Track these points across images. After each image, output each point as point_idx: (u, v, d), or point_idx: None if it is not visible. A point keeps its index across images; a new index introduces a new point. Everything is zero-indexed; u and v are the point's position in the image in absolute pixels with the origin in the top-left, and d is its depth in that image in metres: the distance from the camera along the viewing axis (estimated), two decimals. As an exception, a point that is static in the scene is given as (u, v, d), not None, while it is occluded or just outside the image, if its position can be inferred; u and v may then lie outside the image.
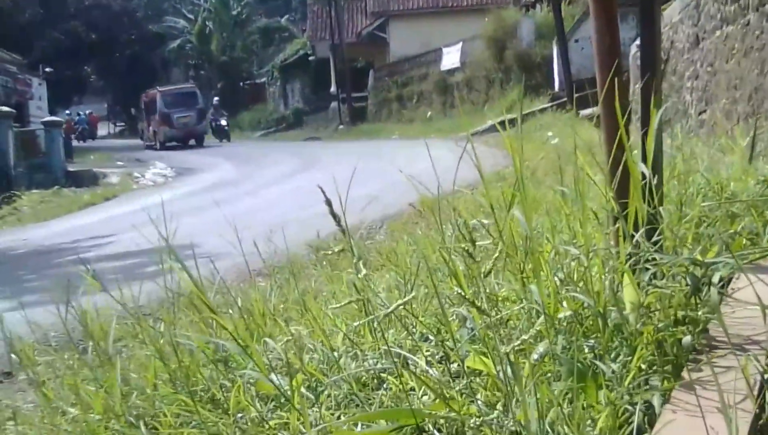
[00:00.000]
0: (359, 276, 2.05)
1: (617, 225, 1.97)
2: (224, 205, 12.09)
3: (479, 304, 1.75)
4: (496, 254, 2.04)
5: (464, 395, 1.71)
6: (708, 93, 7.01)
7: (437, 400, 1.69)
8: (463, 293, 1.78)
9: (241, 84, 55.54)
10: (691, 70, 7.65)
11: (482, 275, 1.93)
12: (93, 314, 2.65)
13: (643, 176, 1.99)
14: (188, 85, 41.77)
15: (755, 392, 1.41)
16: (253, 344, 2.14)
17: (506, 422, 1.53)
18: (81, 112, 48.89)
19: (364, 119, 36.61)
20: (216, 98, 41.03)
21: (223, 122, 38.00)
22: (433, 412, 1.60)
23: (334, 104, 39.48)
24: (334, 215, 2.16)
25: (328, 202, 2.15)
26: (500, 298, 2.18)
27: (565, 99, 19.56)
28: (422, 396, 1.88)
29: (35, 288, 6.55)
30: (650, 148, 1.99)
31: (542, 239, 2.25)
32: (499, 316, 2.00)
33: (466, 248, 1.90)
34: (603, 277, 1.83)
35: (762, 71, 5.24)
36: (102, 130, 53.58)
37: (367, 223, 6.05)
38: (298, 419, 1.78)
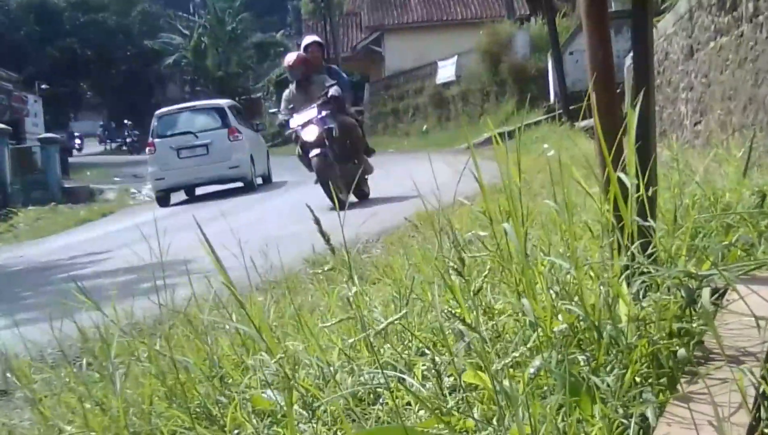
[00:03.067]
0: (350, 295, 2.05)
1: (612, 238, 1.98)
2: (221, 220, 12.11)
3: (471, 321, 1.75)
4: (486, 272, 2.05)
5: (460, 410, 1.71)
6: (703, 104, 7.03)
7: (432, 416, 1.69)
8: (453, 311, 1.78)
9: (237, 99, 55.56)
10: (686, 81, 7.67)
11: (473, 292, 1.93)
12: (90, 331, 2.64)
13: (638, 188, 1.99)
14: None
15: (750, 404, 1.41)
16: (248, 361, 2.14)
17: (501, 437, 1.53)
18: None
19: (360, 133, 36.62)
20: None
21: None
22: (426, 429, 1.60)
23: (330, 118, 39.51)
24: (323, 234, 2.17)
25: (317, 221, 2.16)
26: (497, 311, 2.18)
27: (560, 111, 19.58)
28: (419, 410, 1.87)
29: (32, 305, 6.53)
30: (631, 158, 2.00)
31: (537, 252, 2.25)
32: (494, 330, 2.00)
33: (456, 267, 1.90)
34: (598, 289, 1.83)
35: (756, 82, 5.26)
36: (96, 147, 53.11)
37: (364, 236, 6.05)
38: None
